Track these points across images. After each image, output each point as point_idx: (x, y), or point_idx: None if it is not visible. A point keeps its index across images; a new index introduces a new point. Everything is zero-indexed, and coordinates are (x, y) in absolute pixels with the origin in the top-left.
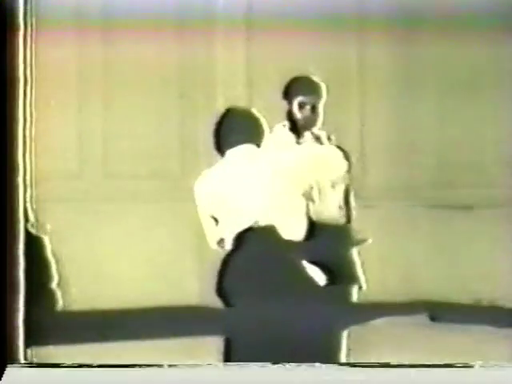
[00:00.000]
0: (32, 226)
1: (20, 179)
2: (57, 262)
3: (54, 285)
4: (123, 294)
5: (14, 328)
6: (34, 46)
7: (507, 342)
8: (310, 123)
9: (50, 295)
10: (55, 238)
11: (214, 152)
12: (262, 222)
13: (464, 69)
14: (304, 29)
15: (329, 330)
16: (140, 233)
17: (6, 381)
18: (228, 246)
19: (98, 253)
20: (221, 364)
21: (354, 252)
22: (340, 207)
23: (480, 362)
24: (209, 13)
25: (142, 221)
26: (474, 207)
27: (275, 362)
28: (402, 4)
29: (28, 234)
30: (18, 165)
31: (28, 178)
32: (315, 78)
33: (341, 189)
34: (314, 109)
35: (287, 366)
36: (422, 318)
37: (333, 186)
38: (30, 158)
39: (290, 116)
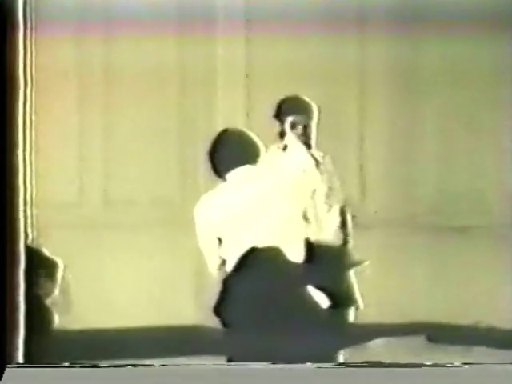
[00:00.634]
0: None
1: (20, 206)
2: (56, 287)
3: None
4: (122, 317)
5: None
6: (34, 46)
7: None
8: (302, 142)
9: (49, 315)
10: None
11: (214, 178)
12: (263, 244)
13: (465, 69)
14: (304, 29)
15: (326, 350)
16: (139, 258)
17: (6, 381)
18: (229, 268)
19: (98, 277)
20: (220, 364)
21: (352, 273)
22: (337, 229)
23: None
24: (209, 14)
25: (142, 247)
26: (470, 230)
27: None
28: (402, 5)
29: (28, 252)
30: (18, 191)
31: (28, 205)
32: (306, 98)
33: (337, 211)
34: (305, 128)
35: (287, 366)
36: (420, 340)
37: (329, 208)
38: (31, 184)
39: (282, 135)
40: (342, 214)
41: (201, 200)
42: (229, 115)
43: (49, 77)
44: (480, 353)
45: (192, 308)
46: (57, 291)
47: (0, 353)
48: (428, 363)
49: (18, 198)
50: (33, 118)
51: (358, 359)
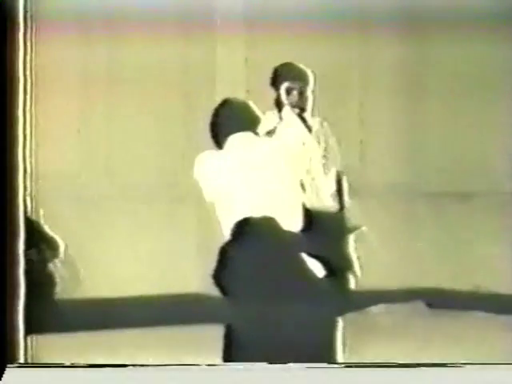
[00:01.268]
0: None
1: (20, 178)
2: (57, 258)
3: (54, 275)
4: (124, 287)
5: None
6: (34, 46)
7: (505, 328)
8: (298, 108)
9: (50, 283)
10: (58, 235)
11: (214, 149)
12: (260, 212)
13: (467, 68)
14: (304, 28)
15: (326, 317)
16: (141, 229)
17: (6, 381)
18: (226, 235)
19: (100, 247)
20: (220, 364)
21: (349, 239)
22: (333, 195)
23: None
24: (209, 13)
25: (143, 217)
26: (473, 196)
27: (274, 362)
28: (404, 5)
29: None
30: (18, 164)
31: (28, 176)
32: (302, 65)
33: (333, 177)
34: (301, 94)
35: (286, 366)
36: (420, 305)
37: (325, 175)
38: (31, 157)
39: (278, 103)
40: (339, 180)
41: (201, 163)
42: (229, 82)
43: (48, 76)
44: (479, 318)
45: (193, 277)
46: (58, 262)
47: (0, 353)
48: (428, 363)
49: (18, 170)
50: (33, 117)
51: (357, 325)
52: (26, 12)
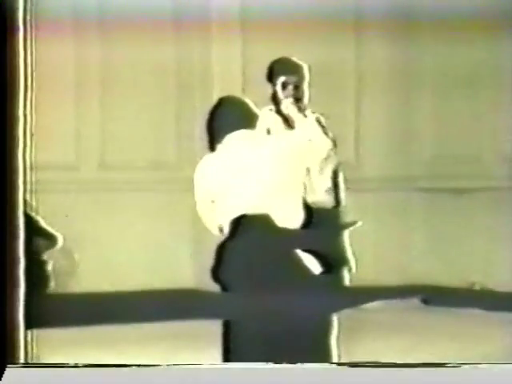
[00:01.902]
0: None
1: (20, 174)
2: (55, 251)
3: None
4: (121, 281)
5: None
6: (33, 45)
7: (500, 325)
8: (295, 103)
9: (47, 277)
10: (53, 227)
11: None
12: (258, 210)
13: (462, 64)
14: (300, 25)
15: (321, 313)
16: (137, 222)
17: (5, 381)
18: (226, 231)
19: (97, 240)
20: (220, 364)
21: (345, 235)
22: (329, 191)
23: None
24: (205, 10)
25: (139, 210)
26: (468, 191)
27: (273, 362)
28: (399, 4)
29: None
30: (18, 161)
31: (28, 172)
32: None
33: (329, 172)
34: (297, 88)
35: (286, 366)
36: (415, 302)
37: (321, 170)
38: (31, 155)
39: (275, 98)
40: (335, 175)
41: (200, 163)
42: (225, 80)
43: (48, 76)
44: (474, 315)
45: (190, 271)
46: (55, 255)
47: (0, 353)
48: (428, 363)
49: (18, 167)
50: (33, 116)
51: (353, 321)
52: (25, 12)
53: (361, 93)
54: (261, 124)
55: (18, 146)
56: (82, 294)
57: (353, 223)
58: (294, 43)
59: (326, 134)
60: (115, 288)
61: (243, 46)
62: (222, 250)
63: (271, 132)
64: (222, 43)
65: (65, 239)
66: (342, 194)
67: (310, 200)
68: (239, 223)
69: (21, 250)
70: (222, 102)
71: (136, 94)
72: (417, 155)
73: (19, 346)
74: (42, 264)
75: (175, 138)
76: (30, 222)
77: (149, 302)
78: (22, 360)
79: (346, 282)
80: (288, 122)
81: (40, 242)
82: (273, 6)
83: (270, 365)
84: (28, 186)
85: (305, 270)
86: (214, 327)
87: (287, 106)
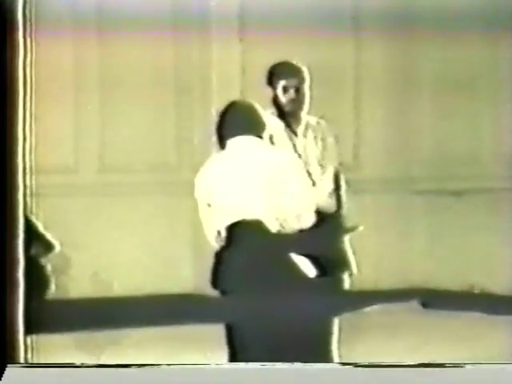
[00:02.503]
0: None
1: (20, 176)
2: (55, 257)
3: (49, 273)
4: (120, 286)
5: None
6: (33, 45)
7: (499, 328)
8: (296, 107)
9: (45, 282)
10: (52, 232)
11: (210, 146)
12: (256, 215)
13: (459, 67)
14: (299, 28)
15: (321, 317)
16: (136, 226)
17: (6, 381)
18: (222, 236)
19: (96, 244)
20: (221, 364)
21: (346, 239)
22: (330, 194)
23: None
24: (203, 13)
25: (139, 214)
26: (467, 193)
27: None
28: (398, 6)
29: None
30: (18, 163)
31: (28, 174)
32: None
33: (331, 176)
34: (298, 91)
35: (288, 366)
36: (415, 305)
37: (322, 174)
38: (30, 156)
39: (276, 102)
40: (336, 179)
41: (201, 169)
42: (224, 82)
43: (48, 76)
44: (474, 318)
45: (190, 276)
46: (54, 260)
47: (0, 353)
48: (425, 363)
49: (18, 169)
50: (33, 116)
51: (353, 325)
52: (25, 12)
53: (360, 95)
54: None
55: (17, 148)
56: (80, 298)
57: (354, 227)
58: (294, 46)
59: (326, 137)
60: (114, 292)
61: (242, 48)
62: (221, 254)
63: (273, 136)
64: (221, 46)
65: (63, 243)
66: (344, 198)
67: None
68: (238, 227)
69: (20, 252)
70: (229, 107)
71: (135, 97)
72: (416, 157)
73: (19, 350)
74: (40, 268)
75: (175, 140)
76: (29, 226)
77: (148, 307)
78: (21, 360)
79: (346, 285)
80: (290, 125)
81: (38, 246)
82: (272, 9)
83: (271, 364)
84: (28, 190)
85: (305, 274)
86: (215, 331)
87: (286, 108)
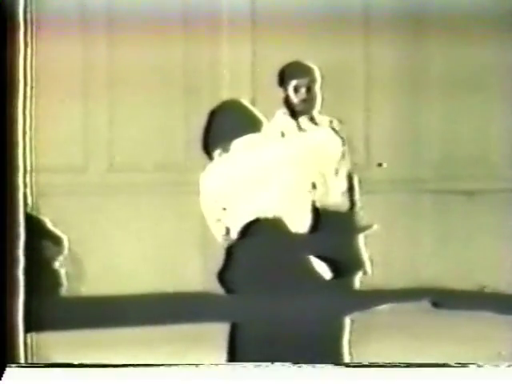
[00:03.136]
0: (32, 215)
1: (20, 175)
2: (62, 254)
3: (57, 272)
4: (128, 284)
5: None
6: (34, 45)
7: (510, 328)
8: (307, 106)
9: (54, 280)
10: (60, 231)
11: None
12: (269, 214)
13: (468, 67)
14: (309, 28)
15: (332, 317)
16: (144, 225)
17: (6, 381)
18: (233, 236)
19: (103, 243)
20: (222, 364)
21: (359, 238)
22: (343, 193)
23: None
24: (214, 11)
25: (147, 213)
26: (479, 193)
27: (279, 361)
28: (409, 5)
29: (28, 219)
30: (18, 162)
31: (28, 173)
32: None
33: (344, 175)
34: (309, 91)
35: (291, 366)
36: (425, 305)
37: (336, 172)
38: (31, 155)
39: (288, 102)
40: (350, 178)
41: (206, 168)
42: (234, 83)
43: (49, 76)
44: (485, 318)
45: (197, 274)
46: (61, 259)
47: (0, 353)
48: (429, 363)
49: (18, 168)
50: (33, 116)
51: (364, 324)
52: (25, 12)
53: (370, 94)
54: (275, 127)
55: (18, 147)
56: (88, 297)
57: (368, 227)
58: (305, 45)
59: (338, 136)
60: (122, 291)
61: (253, 47)
62: (231, 252)
63: (285, 135)
64: (231, 45)
65: (71, 242)
66: (357, 197)
67: (324, 203)
68: (250, 227)
69: (21, 251)
70: (223, 106)
71: (144, 96)
72: (426, 157)
73: (19, 349)
74: (48, 267)
75: (184, 140)
76: (37, 225)
77: (156, 305)
78: (22, 360)
79: (357, 284)
80: (301, 125)
81: (47, 245)
82: (283, 8)
83: (276, 364)
84: (34, 189)
85: (315, 274)
86: (221, 330)
87: (298, 108)
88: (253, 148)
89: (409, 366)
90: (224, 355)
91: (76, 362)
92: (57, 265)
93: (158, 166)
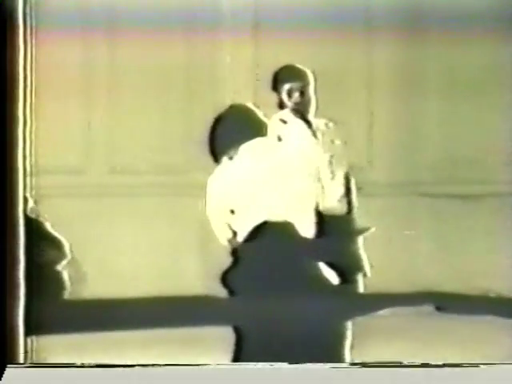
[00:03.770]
0: (32, 218)
1: (20, 176)
2: (63, 257)
3: (58, 274)
4: (128, 287)
5: (14, 322)
6: (34, 45)
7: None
8: (301, 110)
9: (54, 283)
10: (59, 233)
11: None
12: (275, 217)
13: (468, 69)
14: (311, 30)
15: (334, 320)
16: (144, 228)
17: (6, 381)
18: (240, 239)
19: (103, 246)
20: (226, 364)
21: (358, 241)
22: (341, 198)
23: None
24: (215, 14)
25: (147, 216)
26: (480, 198)
27: (282, 361)
28: (408, 5)
29: (28, 221)
30: (17, 163)
31: (28, 175)
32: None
33: (341, 179)
34: (302, 94)
35: (294, 366)
36: (428, 309)
37: (332, 177)
38: (31, 157)
39: (282, 106)
40: (347, 181)
41: (214, 172)
42: (235, 86)
43: (49, 77)
44: (489, 322)
45: (198, 277)
46: (62, 262)
47: (0, 353)
48: (430, 363)
49: (18, 169)
50: (33, 117)
51: (366, 328)
52: (25, 12)
53: (370, 97)
54: (272, 132)
55: (17, 147)
56: (87, 300)
57: (366, 229)
58: (306, 47)
59: (334, 139)
60: (122, 294)
61: (255, 50)
62: (236, 255)
63: (281, 139)
64: (233, 47)
65: (70, 244)
66: (354, 200)
67: (322, 207)
68: (257, 230)
69: (21, 253)
70: (229, 111)
71: (144, 98)
72: (424, 160)
73: (19, 352)
74: (49, 270)
75: (184, 142)
76: (37, 227)
77: (157, 309)
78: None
79: (359, 288)
80: (295, 129)
81: (47, 247)
82: (285, 10)
83: (274, 365)
84: (34, 191)
85: (318, 277)
86: (224, 333)
87: (291, 113)
88: (259, 151)
89: (408, 366)
90: (227, 358)
91: (76, 362)
92: (57, 267)
93: (157, 168)
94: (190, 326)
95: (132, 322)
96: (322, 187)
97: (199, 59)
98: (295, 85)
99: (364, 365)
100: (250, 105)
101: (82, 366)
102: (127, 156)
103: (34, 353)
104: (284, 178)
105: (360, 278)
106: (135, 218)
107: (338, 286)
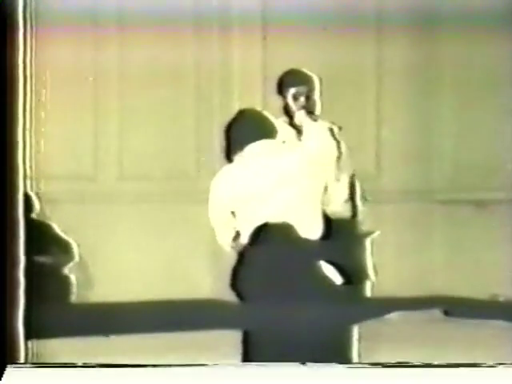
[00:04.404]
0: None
1: (20, 179)
2: (72, 261)
3: (67, 278)
4: (138, 291)
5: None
6: (34, 46)
7: None
8: (308, 114)
9: (62, 287)
10: (69, 238)
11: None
12: (278, 219)
13: (483, 72)
14: (321, 29)
15: (341, 324)
16: (154, 233)
17: (6, 381)
18: (244, 241)
19: (113, 253)
20: (234, 364)
21: (365, 246)
22: (346, 201)
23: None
24: (225, 12)
25: (157, 221)
26: (488, 203)
27: (289, 361)
28: (421, 9)
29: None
30: (18, 165)
31: (28, 178)
32: (306, 70)
33: (346, 182)
34: (308, 99)
35: (301, 366)
36: (436, 313)
37: (337, 179)
38: (31, 159)
39: (287, 111)
40: (352, 185)
41: (218, 173)
42: (244, 92)
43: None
44: (497, 327)
45: (207, 282)
46: (71, 266)
47: (0, 353)
48: (433, 363)
49: (18, 172)
50: (33, 117)
51: (373, 333)
52: (25, 12)
53: (381, 102)
54: (279, 134)
55: (17, 148)
56: (97, 303)
57: (370, 233)
58: (316, 49)
59: (339, 143)
60: (131, 298)
61: (264, 53)
62: (240, 258)
63: (286, 143)
64: (243, 50)
65: (81, 249)
66: (359, 204)
67: (327, 211)
68: (260, 232)
69: (21, 255)
70: (241, 115)
71: (154, 103)
72: (437, 167)
73: (20, 355)
74: (57, 274)
75: (194, 148)
76: (45, 231)
77: (166, 313)
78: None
79: (367, 293)
80: (301, 133)
81: (56, 252)
82: (295, 12)
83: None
84: (43, 197)
85: (325, 281)
86: (233, 337)
87: (300, 117)
88: (265, 153)
89: (415, 366)
90: (235, 361)
91: (76, 362)
92: (66, 271)
93: (168, 174)
94: (198, 330)
95: (140, 326)
96: (328, 191)
97: (209, 64)
98: (301, 89)
99: (372, 364)
100: (260, 108)
101: (82, 366)
102: (137, 162)
103: (39, 356)
104: (289, 180)
105: (367, 282)
106: (145, 224)
107: (346, 289)
